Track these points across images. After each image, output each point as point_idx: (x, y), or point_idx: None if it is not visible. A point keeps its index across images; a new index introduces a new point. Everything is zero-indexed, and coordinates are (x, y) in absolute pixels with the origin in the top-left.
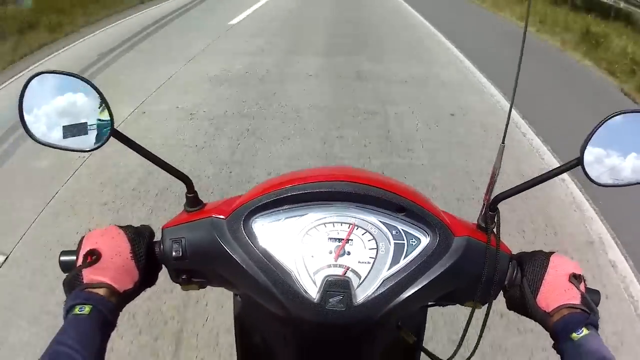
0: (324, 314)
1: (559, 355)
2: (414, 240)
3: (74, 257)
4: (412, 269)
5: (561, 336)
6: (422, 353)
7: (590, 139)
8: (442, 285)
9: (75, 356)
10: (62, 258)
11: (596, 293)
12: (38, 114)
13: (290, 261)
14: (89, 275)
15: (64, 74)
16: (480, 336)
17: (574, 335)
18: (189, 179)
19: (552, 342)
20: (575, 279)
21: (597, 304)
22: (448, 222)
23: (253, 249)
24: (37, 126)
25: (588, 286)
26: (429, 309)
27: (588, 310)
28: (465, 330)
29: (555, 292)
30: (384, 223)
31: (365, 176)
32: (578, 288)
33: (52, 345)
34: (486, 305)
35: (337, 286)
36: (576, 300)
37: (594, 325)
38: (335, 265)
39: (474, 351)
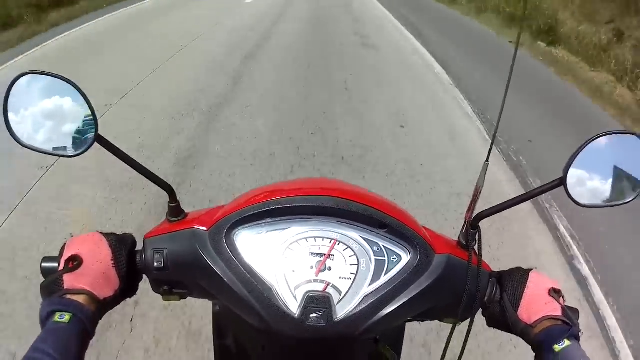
0: (305, 329)
1: None
2: (395, 257)
3: (55, 264)
4: (393, 286)
5: (543, 347)
6: None
7: (573, 160)
8: (423, 302)
9: None
10: (44, 264)
11: (575, 311)
12: (25, 115)
13: (271, 275)
14: (69, 280)
15: (52, 76)
16: (462, 353)
17: (556, 346)
18: (172, 187)
19: (534, 354)
20: (555, 293)
21: (577, 320)
22: (429, 239)
23: (235, 262)
24: (22, 127)
25: (567, 304)
26: (408, 324)
27: (569, 322)
28: (447, 347)
29: (536, 305)
30: (365, 239)
31: (348, 190)
32: (558, 301)
33: (32, 352)
34: (465, 321)
35: (318, 302)
36: (557, 312)
37: (575, 337)
38: (316, 281)
39: None
